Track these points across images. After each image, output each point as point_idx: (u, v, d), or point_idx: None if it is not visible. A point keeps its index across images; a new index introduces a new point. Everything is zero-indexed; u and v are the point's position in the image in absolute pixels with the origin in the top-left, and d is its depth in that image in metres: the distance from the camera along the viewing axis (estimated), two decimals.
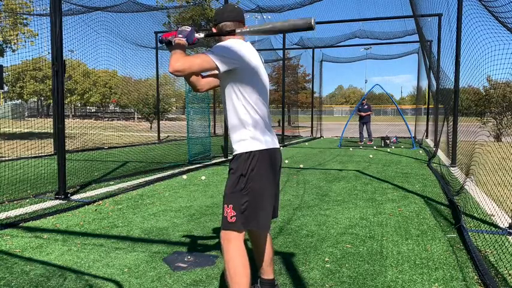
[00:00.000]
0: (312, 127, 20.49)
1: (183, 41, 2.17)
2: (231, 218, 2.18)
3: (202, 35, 2.29)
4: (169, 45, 2.25)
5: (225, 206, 2.22)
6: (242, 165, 2.19)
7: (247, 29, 2.22)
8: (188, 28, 2.24)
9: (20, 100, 37.55)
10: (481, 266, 2.91)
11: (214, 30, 2.36)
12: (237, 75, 2.19)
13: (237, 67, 2.16)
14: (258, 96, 2.25)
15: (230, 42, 2.23)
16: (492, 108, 13.42)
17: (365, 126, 14.92)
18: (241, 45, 2.21)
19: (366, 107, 14.83)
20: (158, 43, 2.43)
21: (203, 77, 2.51)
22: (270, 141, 2.27)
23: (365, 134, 14.98)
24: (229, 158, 10.35)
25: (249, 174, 2.18)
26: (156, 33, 15.70)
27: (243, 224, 2.19)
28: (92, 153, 10.47)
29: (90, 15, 11.25)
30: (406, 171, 7.86)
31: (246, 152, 2.20)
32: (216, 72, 2.25)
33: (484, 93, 11.97)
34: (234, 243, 2.19)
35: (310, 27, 2.10)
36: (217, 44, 2.25)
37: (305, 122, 25.62)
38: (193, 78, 2.47)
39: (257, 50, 2.35)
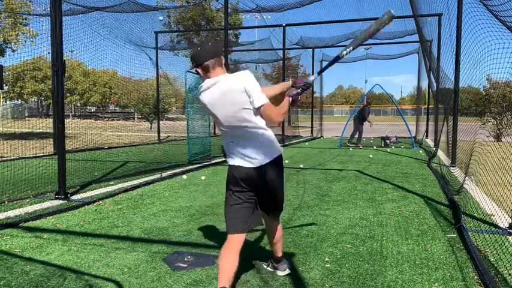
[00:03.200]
0: (312, 127, 20.48)
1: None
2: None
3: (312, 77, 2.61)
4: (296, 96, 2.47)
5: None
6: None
7: (350, 49, 2.63)
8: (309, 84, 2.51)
9: (20, 100, 37.52)
10: (481, 266, 2.91)
11: (199, 70, 2.49)
12: None
13: None
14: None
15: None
16: (492, 108, 13.42)
17: (359, 127, 14.54)
18: None
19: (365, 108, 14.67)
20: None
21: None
22: None
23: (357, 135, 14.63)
24: None
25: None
26: (156, 33, 15.69)
27: (227, 225, 2.56)
28: (92, 153, 10.47)
29: (90, 15, 11.26)
30: (406, 171, 7.86)
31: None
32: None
33: (484, 93, 11.97)
34: (224, 245, 2.51)
35: (392, 17, 2.58)
36: (253, 81, 2.41)
37: (305, 122, 25.61)
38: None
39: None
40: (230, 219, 2.53)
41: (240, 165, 2.50)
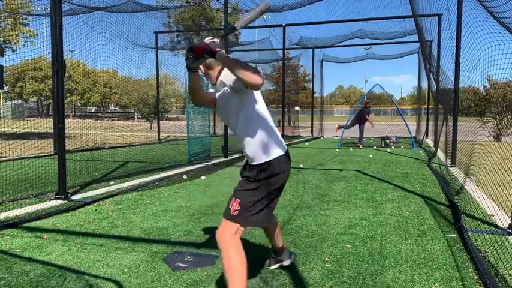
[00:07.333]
0: (312, 127, 20.49)
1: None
2: (234, 211, 2.30)
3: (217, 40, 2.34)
4: (212, 56, 2.17)
5: (233, 198, 2.34)
6: (268, 172, 2.34)
7: (242, 24, 2.37)
8: (216, 40, 2.29)
9: (20, 100, 37.57)
10: (481, 266, 2.91)
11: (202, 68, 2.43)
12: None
13: None
14: (265, 106, 2.44)
15: None
16: (492, 108, 13.43)
17: (360, 126, 14.51)
18: None
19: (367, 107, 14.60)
20: (185, 57, 2.10)
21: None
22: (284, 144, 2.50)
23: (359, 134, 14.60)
24: (230, 158, 10.20)
25: (270, 178, 2.33)
26: (156, 33, 15.70)
27: (244, 220, 2.30)
28: (92, 153, 10.47)
29: (90, 15, 11.24)
30: (406, 171, 7.86)
31: (275, 158, 2.35)
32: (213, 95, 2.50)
33: (484, 93, 11.98)
34: (230, 242, 2.29)
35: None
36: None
37: (306, 122, 25.62)
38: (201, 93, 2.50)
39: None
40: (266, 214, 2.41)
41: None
